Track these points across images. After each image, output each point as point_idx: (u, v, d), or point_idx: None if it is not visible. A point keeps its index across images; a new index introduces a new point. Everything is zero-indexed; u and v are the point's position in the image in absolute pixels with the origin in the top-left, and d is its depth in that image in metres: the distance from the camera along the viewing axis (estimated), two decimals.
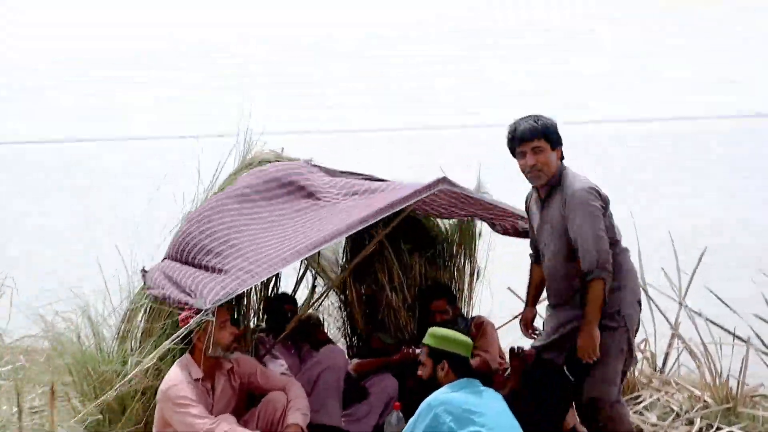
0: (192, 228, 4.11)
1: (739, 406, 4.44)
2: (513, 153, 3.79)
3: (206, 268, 3.87)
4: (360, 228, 3.85)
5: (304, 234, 3.88)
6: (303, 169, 4.55)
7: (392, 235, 4.91)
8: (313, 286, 5.45)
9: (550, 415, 3.85)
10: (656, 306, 5.27)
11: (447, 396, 3.34)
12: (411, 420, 3.40)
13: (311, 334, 5.00)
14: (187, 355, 3.67)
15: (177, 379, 3.56)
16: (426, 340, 3.61)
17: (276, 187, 4.33)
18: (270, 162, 4.70)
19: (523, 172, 3.77)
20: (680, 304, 5.24)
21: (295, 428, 3.56)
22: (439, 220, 5.10)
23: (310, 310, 5.44)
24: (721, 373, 4.61)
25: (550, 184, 3.75)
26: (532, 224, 3.99)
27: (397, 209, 3.97)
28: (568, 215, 3.62)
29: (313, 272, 5.32)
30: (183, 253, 4.05)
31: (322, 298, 5.12)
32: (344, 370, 4.36)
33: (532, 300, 4.21)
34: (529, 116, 3.76)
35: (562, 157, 3.78)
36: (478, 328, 4.58)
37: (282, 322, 4.72)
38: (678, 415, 4.51)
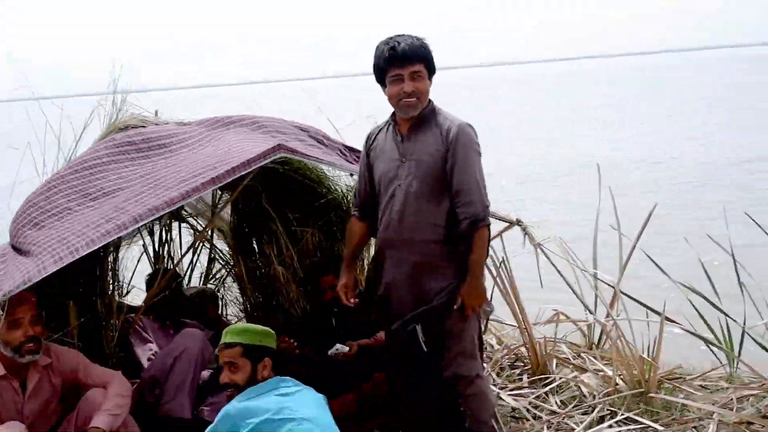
0: (26, 202, 3.73)
1: (652, 390, 3.91)
2: (382, 75, 3.25)
3: (19, 251, 3.49)
4: (182, 203, 3.43)
5: (124, 209, 3.44)
6: (168, 128, 4.11)
7: (279, 204, 4.51)
8: (210, 259, 5.12)
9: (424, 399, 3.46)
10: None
11: (244, 404, 2.91)
12: (209, 428, 2.99)
13: (202, 311, 4.67)
14: None
15: None
16: (235, 338, 3.09)
17: (130, 151, 3.85)
18: (138, 126, 4.27)
19: (394, 99, 3.24)
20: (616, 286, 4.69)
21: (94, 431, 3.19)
22: (336, 184, 4.63)
23: (205, 285, 5.14)
24: (634, 353, 4.07)
25: (418, 117, 3.28)
26: (376, 165, 3.40)
27: (224, 183, 3.50)
28: (454, 152, 3.20)
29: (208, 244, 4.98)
30: (12, 233, 3.67)
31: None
32: (201, 355, 3.97)
33: (351, 263, 3.61)
34: (405, 34, 3.25)
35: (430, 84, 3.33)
36: None
37: (158, 302, 4.39)
38: (582, 400, 4.02)
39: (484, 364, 4.48)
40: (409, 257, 3.29)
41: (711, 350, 4.25)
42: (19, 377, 3.33)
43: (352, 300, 3.55)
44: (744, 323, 4.27)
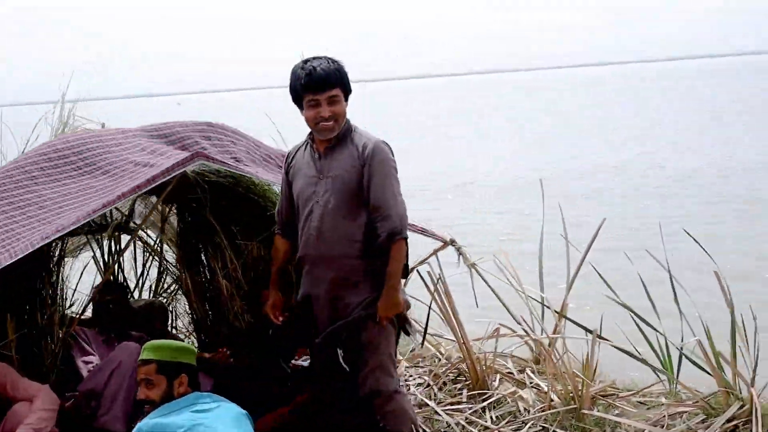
0: None
1: (585, 406, 3.93)
2: (299, 99, 3.32)
3: None
4: (100, 213, 3.52)
5: (47, 220, 3.47)
6: (103, 138, 4.11)
7: (223, 217, 4.55)
8: (160, 272, 5.15)
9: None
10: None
11: (159, 420, 2.95)
12: None
13: (150, 324, 4.70)
14: None
15: None
16: (150, 354, 3.13)
17: (63, 164, 3.86)
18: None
19: (311, 122, 3.31)
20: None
21: None
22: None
23: (154, 298, 5.17)
24: (568, 369, 4.09)
25: (336, 137, 3.36)
26: (295, 183, 3.48)
27: (140, 192, 3.57)
28: (369, 170, 3.30)
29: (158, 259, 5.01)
30: None
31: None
32: (137, 369, 4.00)
33: (277, 281, 3.66)
34: (319, 58, 3.30)
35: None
36: None
37: (100, 314, 4.44)
38: (517, 416, 4.04)
39: (426, 378, 4.55)
40: (327, 273, 3.37)
41: (652, 367, 4.26)
42: None
43: (280, 318, 3.60)
44: (682, 341, 4.29)
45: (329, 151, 3.37)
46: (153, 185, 3.53)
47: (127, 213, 4.85)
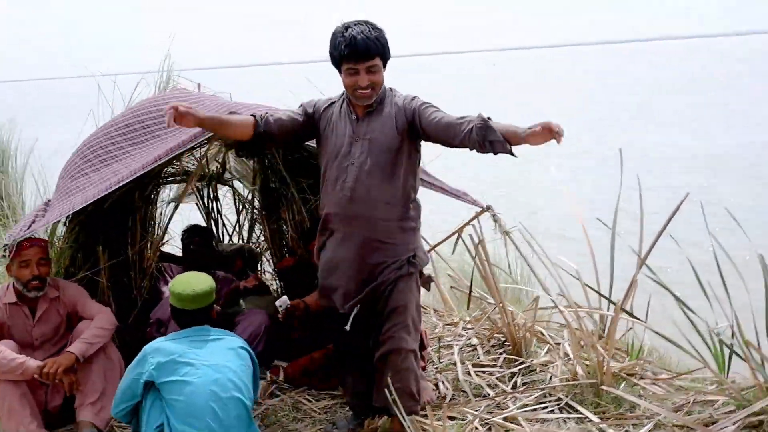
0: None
1: (606, 383, 3.90)
2: (337, 64, 3.30)
3: (46, 203, 4.24)
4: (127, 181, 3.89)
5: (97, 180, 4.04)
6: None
7: (294, 172, 4.92)
8: (252, 220, 5.63)
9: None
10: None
11: (160, 344, 3.36)
12: (131, 364, 3.47)
13: (232, 265, 5.21)
14: (10, 281, 4.06)
15: None
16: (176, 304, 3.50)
17: (144, 121, 4.32)
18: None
19: (349, 89, 3.31)
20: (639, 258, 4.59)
21: (67, 355, 3.80)
22: None
23: (245, 244, 5.66)
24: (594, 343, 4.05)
25: (374, 102, 3.37)
26: (327, 138, 3.43)
27: (158, 164, 3.94)
28: (419, 107, 3.32)
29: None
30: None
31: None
32: None
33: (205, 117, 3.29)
34: (362, 24, 3.25)
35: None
36: None
37: (186, 254, 5.00)
38: (539, 385, 4.09)
39: (476, 339, 4.64)
40: (358, 234, 3.36)
41: (688, 353, 4.08)
42: (29, 305, 4.04)
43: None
44: (734, 331, 4.06)
45: (367, 114, 3.36)
46: (157, 164, 3.90)
47: (221, 165, 5.36)
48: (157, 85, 5.06)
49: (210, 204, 5.71)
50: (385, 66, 3.32)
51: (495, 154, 3.12)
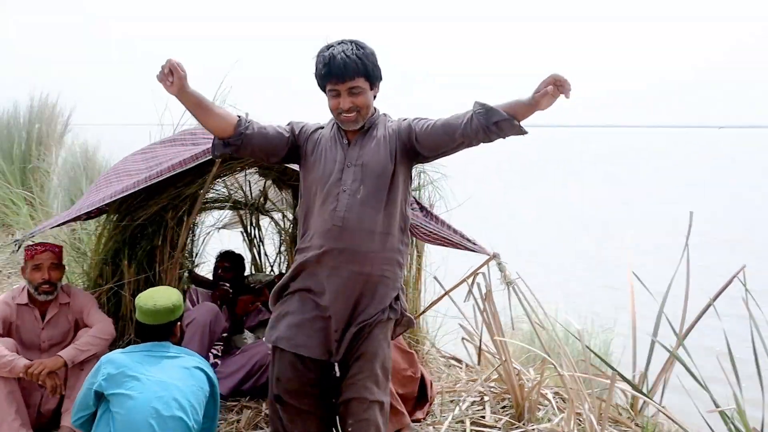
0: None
1: None
2: (321, 87, 3.13)
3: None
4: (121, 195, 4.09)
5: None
6: None
7: None
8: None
9: None
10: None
11: (114, 355, 3.38)
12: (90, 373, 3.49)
13: (260, 295, 5.23)
14: (25, 283, 4.25)
15: (1, 296, 4.18)
16: (150, 320, 3.47)
17: (178, 140, 4.46)
18: None
19: (333, 112, 3.12)
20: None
21: (55, 359, 3.88)
22: None
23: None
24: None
25: (362, 128, 3.17)
26: (315, 162, 3.20)
27: (160, 179, 4.03)
28: (411, 122, 3.14)
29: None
30: None
31: None
32: (209, 326, 4.51)
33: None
34: (345, 42, 3.05)
35: (377, 93, 3.18)
36: None
37: (215, 277, 5.08)
38: None
39: (484, 394, 4.38)
40: (346, 267, 3.11)
41: None
42: (40, 308, 4.21)
43: None
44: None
45: (359, 139, 3.16)
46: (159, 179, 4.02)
47: (263, 195, 5.44)
48: None
49: (252, 232, 5.79)
50: (373, 87, 3.11)
51: (504, 137, 2.88)
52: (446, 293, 4.47)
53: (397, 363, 4.14)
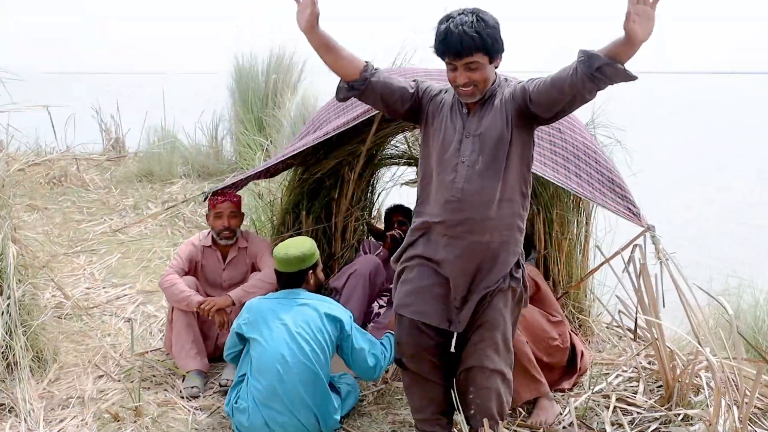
0: None
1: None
2: (438, 53, 3.02)
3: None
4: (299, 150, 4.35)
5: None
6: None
7: None
8: None
9: None
10: None
11: (254, 301, 3.70)
12: None
13: None
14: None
15: (190, 239, 4.72)
16: (286, 268, 3.77)
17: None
18: None
19: (452, 83, 3.05)
20: None
21: (225, 297, 4.32)
22: None
23: None
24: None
25: (482, 99, 3.08)
26: (436, 127, 3.15)
27: (323, 139, 4.23)
28: (524, 85, 3.00)
29: None
30: None
31: None
32: (369, 278, 4.72)
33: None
34: (465, 13, 2.92)
35: (499, 64, 3.04)
36: None
37: (386, 230, 5.28)
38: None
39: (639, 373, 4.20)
40: (464, 237, 3.08)
41: None
42: (222, 251, 4.68)
43: None
44: None
45: (478, 109, 3.08)
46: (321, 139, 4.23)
47: None
48: None
49: None
50: (493, 60, 2.98)
51: (612, 83, 2.72)
52: (603, 263, 4.29)
53: (544, 331, 4.10)
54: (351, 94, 3.20)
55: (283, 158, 4.54)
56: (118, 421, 3.80)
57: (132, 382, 4.19)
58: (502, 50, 3.00)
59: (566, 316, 4.54)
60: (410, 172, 5.83)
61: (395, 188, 5.85)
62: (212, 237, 4.65)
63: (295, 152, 4.41)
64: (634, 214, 3.84)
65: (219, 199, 4.59)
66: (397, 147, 5.56)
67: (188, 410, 3.97)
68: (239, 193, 4.80)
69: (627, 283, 4.07)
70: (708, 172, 15.44)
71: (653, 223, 3.80)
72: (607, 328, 4.89)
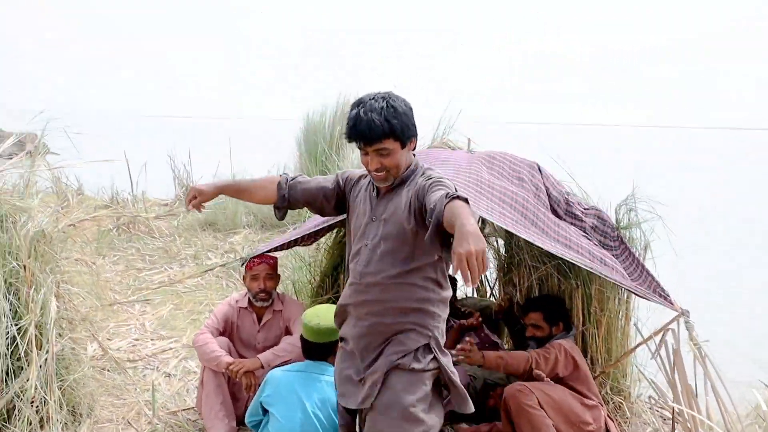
0: None
1: None
2: (347, 138, 2.97)
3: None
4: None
5: None
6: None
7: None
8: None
9: None
10: None
11: (275, 373, 3.70)
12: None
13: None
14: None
15: (228, 299, 4.79)
16: (313, 338, 3.79)
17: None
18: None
19: (365, 167, 3.01)
20: None
21: (254, 360, 4.33)
22: None
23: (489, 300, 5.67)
24: None
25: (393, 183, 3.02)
26: (352, 214, 3.18)
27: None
28: (419, 187, 2.89)
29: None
30: None
31: None
32: None
33: (230, 186, 3.41)
34: (376, 99, 2.88)
35: (414, 147, 3.00)
36: None
37: None
38: None
39: None
40: (366, 318, 3.04)
41: None
42: (257, 313, 4.73)
43: None
44: None
45: (387, 192, 3.05)
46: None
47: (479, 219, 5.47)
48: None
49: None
50: (405, 145, 2.93)
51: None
52: (639, 345, 4.15)
53: (576, 415, 3.98)
54: (281, 214, 3.34)
55: (319, 227, 4.57)
56: None
57: None
58: (414, 135, 2.97)
59: (603, 397, 4.39)
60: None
61: None
62: (248, 298, 4.71)
63: (327, 224, 4.44)
64: (663, 297, 3.71)
65: (255, 261, 4.65)
66: None
67: None
68: (275, 252, 4.86)
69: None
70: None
71: (688, 308, 3.65)
72: (649, 409, 4.68)
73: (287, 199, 3.27)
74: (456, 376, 3.02)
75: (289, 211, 3.36)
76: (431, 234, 2.65)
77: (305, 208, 3.32)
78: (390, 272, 2.95)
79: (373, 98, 2.90)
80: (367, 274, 3.00)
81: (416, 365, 2.94)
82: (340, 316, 3.22)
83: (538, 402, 3.86)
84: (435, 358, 2.98)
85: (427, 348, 2.98)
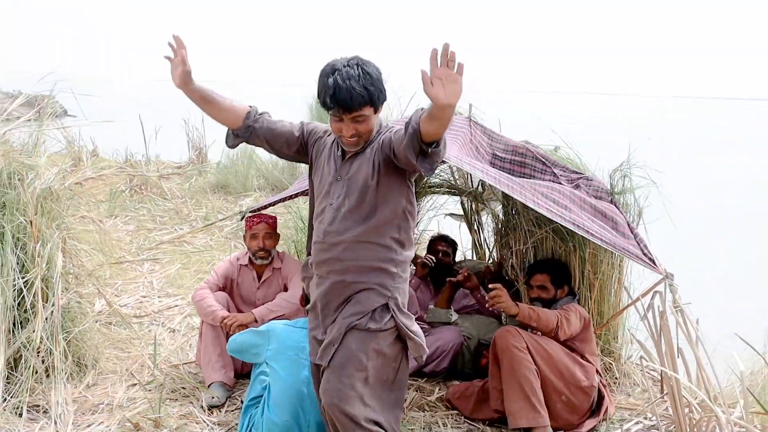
0: None
1: None
2: (324, 105, 2.97)
3: None
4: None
5: None
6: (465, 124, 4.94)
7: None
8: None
9: None
10: None
11: (279, 329, 3.79)
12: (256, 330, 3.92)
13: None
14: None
15: (229, 256, 4.92)
16: None
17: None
18: None
19: (335, 133, 3.04)
20: None
21: (247, 314, 4.48)
22: None
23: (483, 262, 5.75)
24: None
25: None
26: (316, 169, 3.22)
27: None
28: (391, 137, 2.96)
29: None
30: None
31: None
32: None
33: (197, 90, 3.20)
34: (351, 66, 2.89)
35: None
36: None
37: (429, 259, 5.34)
38: None
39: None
40: (328, 277, 3.12)
41: None
42: (257, 270, 4.85)
43: None
44: None
45: (352, 153, 3.11)
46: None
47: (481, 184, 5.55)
48: None
49: (473, 218, 5.91)
50: (377, 110, 3.01)
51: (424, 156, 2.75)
52: (626, 307, 4.22)
53: (567, 369, 4.04)
54: (237, 142, 3.29)
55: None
56: (138, 430, 3.99)
57: (160, 392, 4.39)
58: (385, 99, 3.01)
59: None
60: (452, 202, 5.87)
61: (436, 218, 5.91)
62: (249, 256, 4.82)
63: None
64: (650, 260, 3.78)
65: (255, 220, 4.76)
66: (440, 175, 5.61)
67: (207, 424, 4.13)
68: (279, 213, 4.96)
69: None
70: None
71: (672, 272, 3.71)
72: (640, 371, 4.77)
73: (251, 129, 3.23)
74: (416, 334, 3.12)
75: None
76: (407, 142, 2.73)
77: (262, 145, 3.30)
78: (353, 231, 3.03)
79: (347, 65, 2.91)
80: (330, 233, 3.07)
81: (372, 325, 3.03)
82: (306, 275, 3.31)
83: (527, 347, 3.94)
84: (392, 317, 3.06)
85: (386, 308, 3.07)
